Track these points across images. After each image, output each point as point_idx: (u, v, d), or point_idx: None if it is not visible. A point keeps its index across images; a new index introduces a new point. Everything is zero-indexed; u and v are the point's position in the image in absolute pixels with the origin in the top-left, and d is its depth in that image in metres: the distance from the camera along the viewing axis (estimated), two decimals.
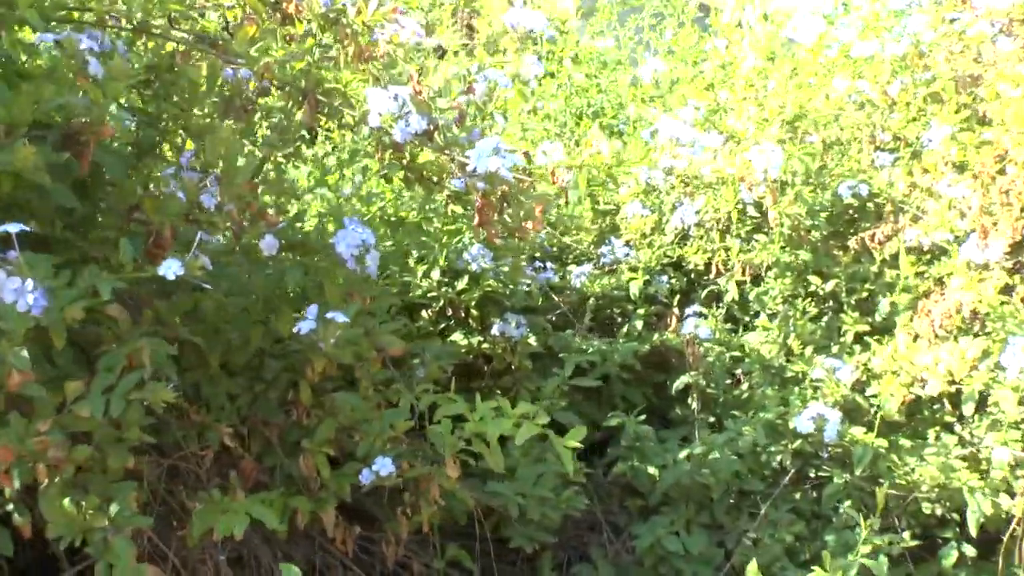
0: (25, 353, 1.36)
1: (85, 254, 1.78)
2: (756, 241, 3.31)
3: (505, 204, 1.90)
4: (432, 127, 1.84)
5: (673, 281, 3.46)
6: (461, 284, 3.00)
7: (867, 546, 2.42)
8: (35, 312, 1.36)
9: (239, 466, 2.21)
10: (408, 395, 2.27)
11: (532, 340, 3.04)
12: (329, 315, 1.70)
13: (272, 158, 1.98)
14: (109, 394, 1.54)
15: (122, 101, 2.04)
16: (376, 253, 1.91)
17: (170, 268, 1.54)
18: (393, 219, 3.02)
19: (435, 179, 2.24)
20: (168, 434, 2.11)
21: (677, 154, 2.83)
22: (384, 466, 2.03)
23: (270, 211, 1.77)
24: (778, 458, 2.81)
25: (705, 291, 3.44)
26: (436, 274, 3.00)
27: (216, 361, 2.13)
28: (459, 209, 2.32)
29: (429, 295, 3.02)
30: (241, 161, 1.69)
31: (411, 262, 3.01)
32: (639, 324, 3.38)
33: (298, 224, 2.00)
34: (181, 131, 1.91)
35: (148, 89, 2.03)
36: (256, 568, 2.24)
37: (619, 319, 3.52)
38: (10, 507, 1.56)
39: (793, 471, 2.78)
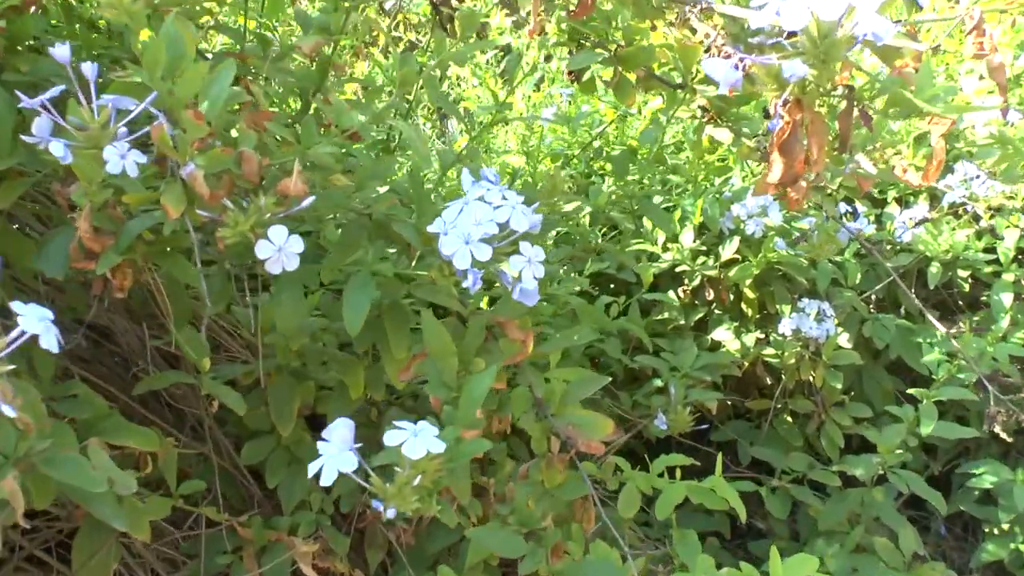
0: None
1: None
2: None
3: (859, 110, 0.81)
4: None
5: None
6: (727, 252, 1.89)
7: None
8: None
9: None
10: (635, 480, 1.23)
11: (844, 340, 1.88)
12: (406, 435, 0.62)
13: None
14: None
15: None
16: (539, 251, 0.82)
17: None
18: (616, 151, 1.94)
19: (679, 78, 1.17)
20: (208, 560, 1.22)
21: None
22: None
23: (296, 173, 0.76)
24: None
25: None
26: (687, 238, 1.91)
27: (287, 428, 1.20)
28: (722, 135, 1.23)
29: (677, 269, 1.94)
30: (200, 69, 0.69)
31: (646, 221, 1.94)
32: (1006, 298, 2.12)
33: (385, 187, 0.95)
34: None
35: None
36: None
37: (967, 286, 2.26)
38: None
39: None
